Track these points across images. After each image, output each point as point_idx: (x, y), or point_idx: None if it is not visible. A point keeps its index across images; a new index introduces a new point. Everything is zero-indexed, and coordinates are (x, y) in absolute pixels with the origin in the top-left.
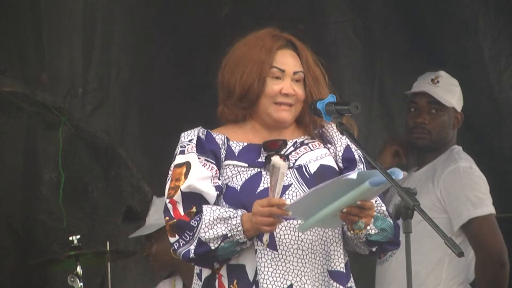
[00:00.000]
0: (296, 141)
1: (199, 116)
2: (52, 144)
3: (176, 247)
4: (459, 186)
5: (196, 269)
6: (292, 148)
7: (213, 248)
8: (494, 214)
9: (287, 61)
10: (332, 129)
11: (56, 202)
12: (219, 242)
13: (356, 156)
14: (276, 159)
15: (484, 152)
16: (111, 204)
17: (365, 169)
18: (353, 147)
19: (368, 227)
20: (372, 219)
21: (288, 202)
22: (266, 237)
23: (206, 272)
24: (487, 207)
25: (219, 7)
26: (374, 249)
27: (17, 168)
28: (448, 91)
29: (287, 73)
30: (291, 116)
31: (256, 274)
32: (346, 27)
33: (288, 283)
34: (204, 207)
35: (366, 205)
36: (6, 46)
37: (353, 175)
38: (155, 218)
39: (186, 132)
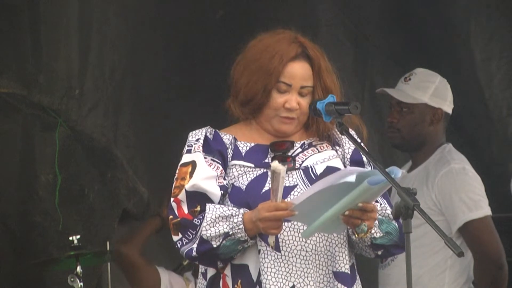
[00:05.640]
0: (304, 142)
1: (195, 117)
2: (48, 146)
3: (179, 245)
4: (453, 189)
5: (201, 268)
6: (299, 150)
7: (215, 246)
8: (490, 215)
9: (296, 74)
10: None
11: (53, 204)
12: (220, 240)
13: (364, 159)
14: (275, 164)
15: (474, 156)
16: (107, 206)
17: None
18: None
19: (373, 231)
20: (377, 222)
21: (292, 200)
22: (272, 239)
23: (211, 272)
24: (482, 209)
25: (213, 9)
26: (379, 253)
27: (14, 169)
28: (418, 87)
29: (293, 87)
30: (294, 128)
31: (259, 274)
32: (337, 30)
33: (290, 284)
34: (208, 205)
35: (368, 207)
36: (3, 47)
37: (351, 178)
38: None
39: (194, 132)
